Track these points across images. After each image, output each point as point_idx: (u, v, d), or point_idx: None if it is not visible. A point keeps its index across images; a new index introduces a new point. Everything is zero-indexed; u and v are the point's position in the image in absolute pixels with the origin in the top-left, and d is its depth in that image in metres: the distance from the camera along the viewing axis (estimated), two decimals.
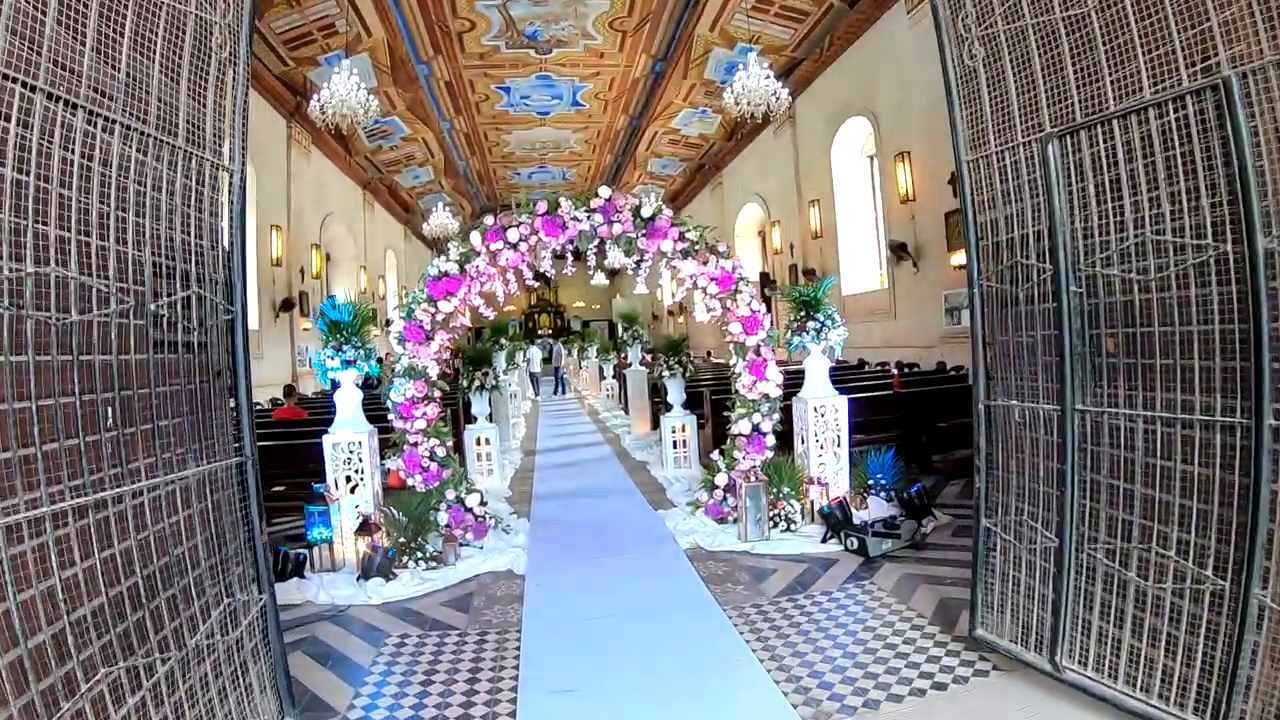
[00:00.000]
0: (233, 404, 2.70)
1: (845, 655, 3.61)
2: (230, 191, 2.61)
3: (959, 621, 3.90)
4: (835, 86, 15.76)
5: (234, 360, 2.61)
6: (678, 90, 18.02)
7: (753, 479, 5.39)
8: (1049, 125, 3.06)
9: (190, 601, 2.31)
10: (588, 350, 21.95)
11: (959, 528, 5.65)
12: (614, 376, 17.07)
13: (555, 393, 21.58)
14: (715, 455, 6.01)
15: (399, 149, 21.20)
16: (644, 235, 5.56)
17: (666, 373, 8.22)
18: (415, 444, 5.55)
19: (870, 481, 5.90)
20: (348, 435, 5.40)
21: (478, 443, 8.31)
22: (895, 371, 8.61)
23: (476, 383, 8.07)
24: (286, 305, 15.19)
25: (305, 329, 15.89)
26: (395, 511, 5.25)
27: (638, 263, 5.77)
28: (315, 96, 10.99)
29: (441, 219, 22.05)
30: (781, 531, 5.54)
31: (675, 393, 8.30)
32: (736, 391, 5.96)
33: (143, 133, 2.22)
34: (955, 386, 8.37)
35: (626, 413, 13.52)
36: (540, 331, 36.09)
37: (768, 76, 11.20)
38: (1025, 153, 3.18)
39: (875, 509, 5.63)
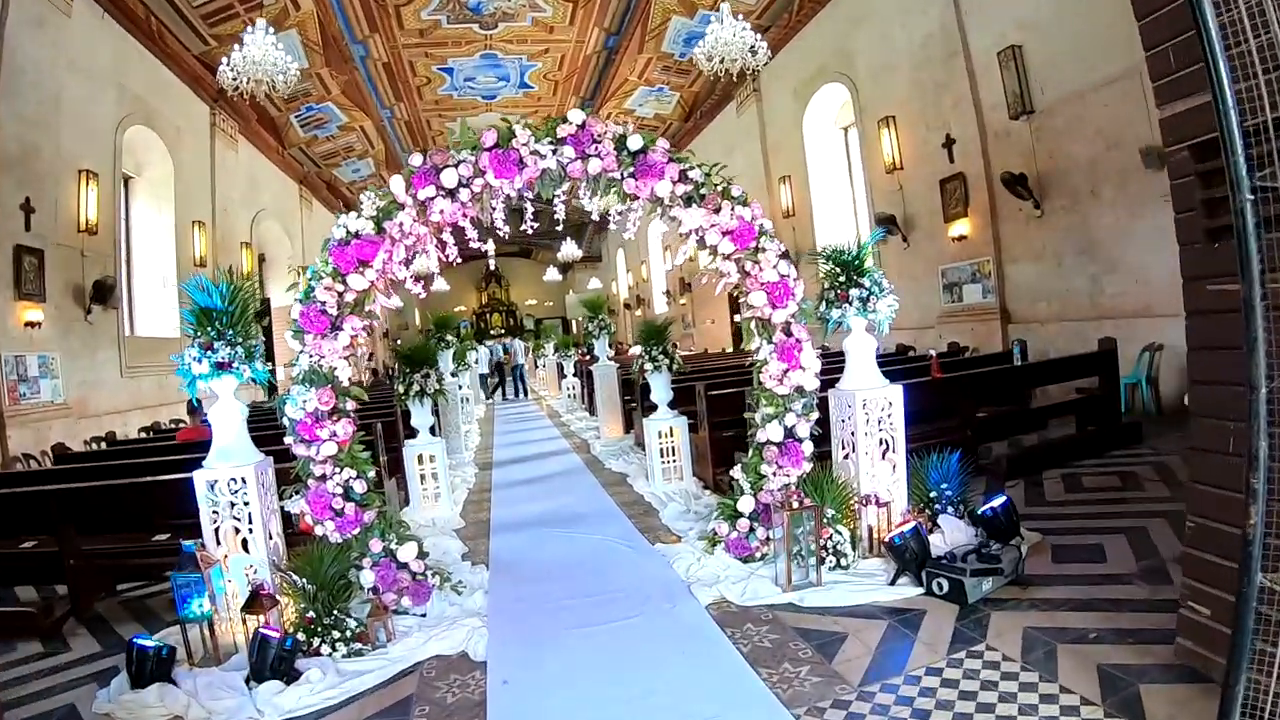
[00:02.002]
0: None
1: None
2: None
3: (1144, 706, 2.58)
4: (806, 52, 14.63)
5: None
6: (633, 67, 16.83)
7: (794, 503, 3.95)
8: None
9: None
10: (545, 347, 20.43)
11: (1056, 549, 4.33)
12: (575, 374, 15.59)
13: (513, 395, 19.98)
14: (737, 472, 4.54)
15: (336, 139, 19.65)
16: (631, 175, 4.04)
17: (650, 366, 6.73)
18: (323, 477, 3.94)
19: (933, 495, 4.55)
20: (228, 469, 3.82)
21: (420, 461, 6.72)
22: (934, 355, 7.29)
23: (415, 387, 6.49)
24: None
25: None
26: (298, 577, 3.70)
27: (622, 213, 4.26)
28: (225, 60, 9.23)
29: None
30: (830, 569, 4.11)
31: (661, 390, 6.82)
32: (760, 384, 4.47)
33: None
34: (995, 369, 7.09)
35: (592, 414, 12.11)
36: (493, 331, 34.56)
37: (744, 28, 9.81)
38: None
39: (950, 532, 4.27)
